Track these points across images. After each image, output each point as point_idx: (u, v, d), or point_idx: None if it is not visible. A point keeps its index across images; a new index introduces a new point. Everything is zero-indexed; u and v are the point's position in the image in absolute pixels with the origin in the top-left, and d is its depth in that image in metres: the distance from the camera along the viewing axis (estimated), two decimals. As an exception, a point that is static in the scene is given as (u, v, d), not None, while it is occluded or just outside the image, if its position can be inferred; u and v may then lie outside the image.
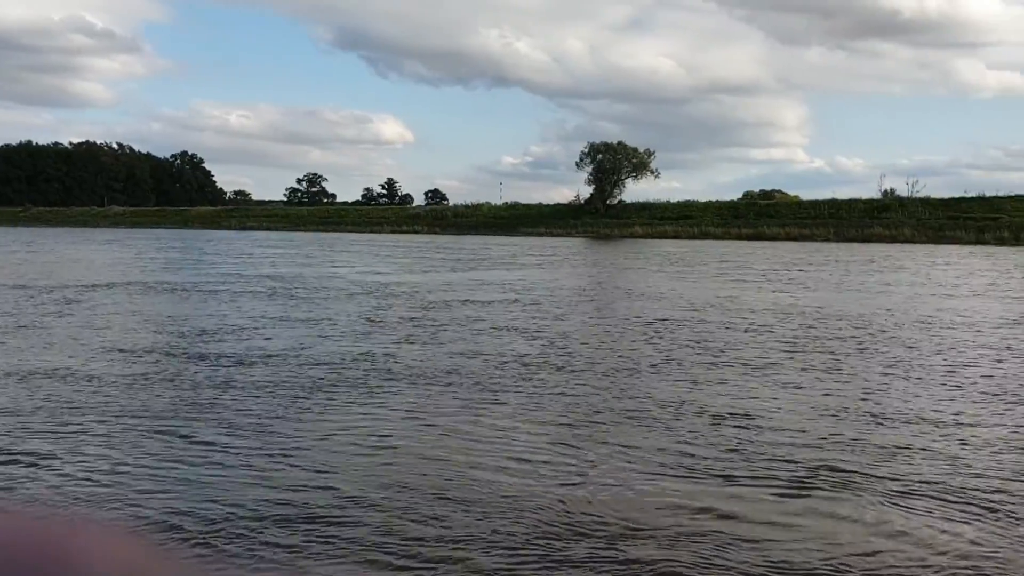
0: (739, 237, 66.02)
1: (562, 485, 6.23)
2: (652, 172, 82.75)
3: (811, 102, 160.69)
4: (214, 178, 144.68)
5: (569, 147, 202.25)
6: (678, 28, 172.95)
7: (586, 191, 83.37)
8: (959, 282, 25.42)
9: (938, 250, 48.97)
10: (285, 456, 6.81)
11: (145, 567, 0.42)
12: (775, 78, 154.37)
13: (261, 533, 5.30)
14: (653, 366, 11.13)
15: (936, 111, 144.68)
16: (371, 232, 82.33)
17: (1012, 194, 65.20)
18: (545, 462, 6.76)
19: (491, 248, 48.90)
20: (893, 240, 60.82)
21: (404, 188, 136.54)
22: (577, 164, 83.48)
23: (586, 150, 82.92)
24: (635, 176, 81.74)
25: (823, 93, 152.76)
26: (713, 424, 8.05)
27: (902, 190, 73.34)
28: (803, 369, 11.04)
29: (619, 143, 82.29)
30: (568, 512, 5.63)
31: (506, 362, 11.26)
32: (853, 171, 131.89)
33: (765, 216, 71.60)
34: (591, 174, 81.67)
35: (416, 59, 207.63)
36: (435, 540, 5.16)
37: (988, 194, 66.34)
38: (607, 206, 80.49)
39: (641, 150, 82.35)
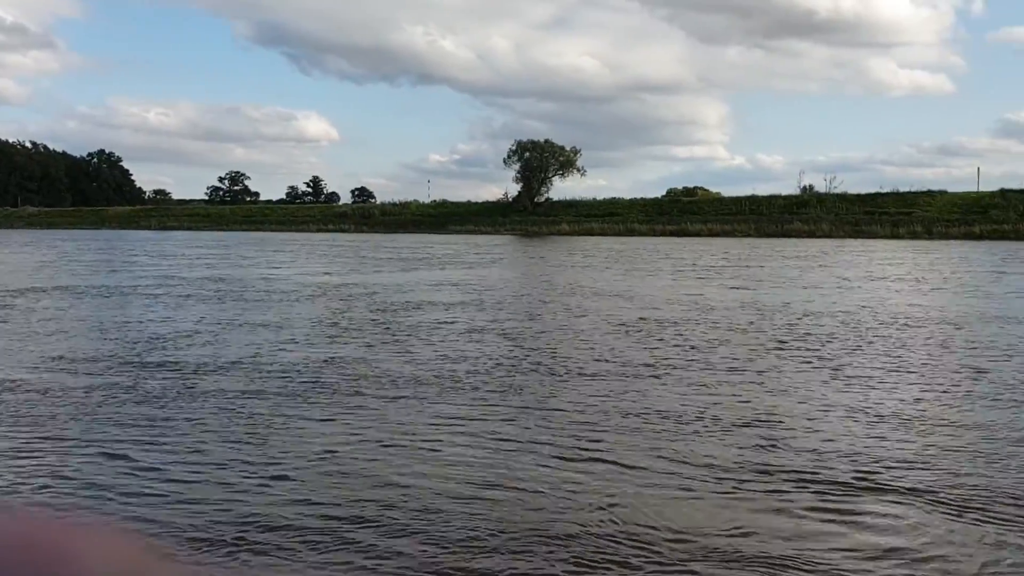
0: (663, 234, 66.75)
1: (580, 509, 5.70)
2: (579, 170, 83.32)
3: (731, 100, 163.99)
4: (133, 177, 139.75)
5: (497, 145, 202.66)
6: (601, 27, 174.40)
7: (514, 189, 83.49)
8: (915, 277, 26.02)
9: (863, 244, 50.32)
10: (267, 467, 6.33)
11: (143, 567, 0.41)
12: (696, 77, 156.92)
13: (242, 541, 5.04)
14: (648, 367, 10.68)
15: (852, 109, 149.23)
16: (296, 231, 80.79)
17: (924, 190, 67.39)
18: (564, 479, 6.19)
19: (431, 247, 48.24)
20: (811, 235, 62.22)
21: (330, 186, 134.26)
22: (505, 162, 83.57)
23: (513, 148, 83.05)
24: (562, 174, 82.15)
25: (743, 91, 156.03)
26: (733, 430, 7.61)
27: (820, 186, 75.27)
28: (808, 368, 10.69)
29: (546, 141, 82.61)
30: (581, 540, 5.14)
31: (493, 367, 10.70)
32: (773, 168, 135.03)
33: (688, 213, 72.59)
34: (519, 172, 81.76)
35: (339, 56, 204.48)
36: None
37: (902, 190, 68.35)
38: (535, 204, 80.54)
39: (568, 148, 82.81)
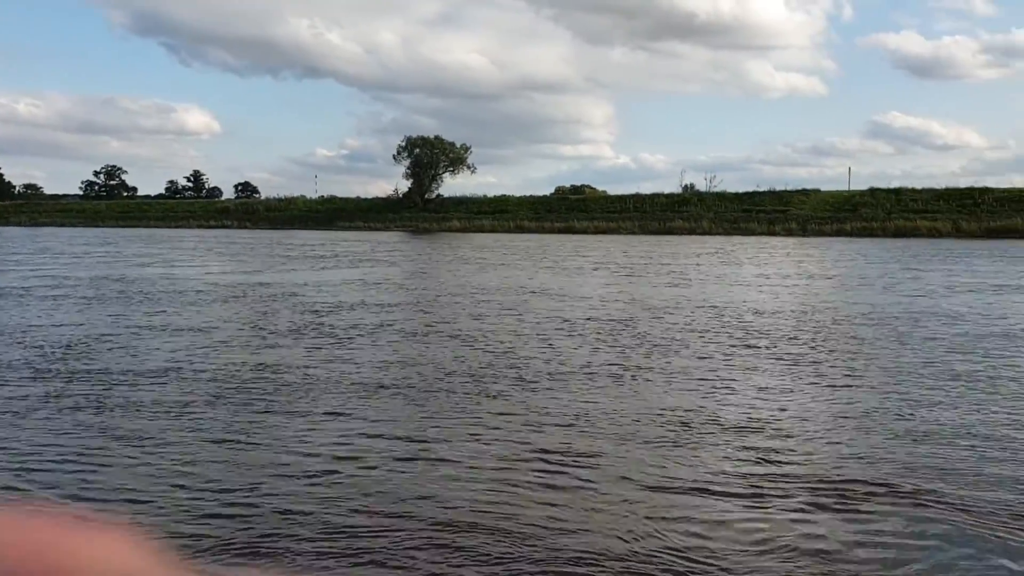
0: (552, 231, 67.28)
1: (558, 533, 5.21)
2: (469, 167, 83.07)
3: (617, 100, 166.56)
4: (1, 171, 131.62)
5: (386, 140, 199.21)
6: (488, 25, 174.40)
7: (404, 185, 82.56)
8: (836, 274, 26.95)
9: (741, 241, 52.02)
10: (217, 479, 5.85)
11: (141, 567, 0.41)
12: (583, 77, 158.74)
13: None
14: (608, 367, 10.24)
15: (731, 110, 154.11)
16: (177, 227, 77.67)
17: (799, 188, 70.11)
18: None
19: (332, 243, 46.91)
20: (692, 232, 63.82)
21: (212, 181, 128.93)
22: (394, 158, 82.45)
23: (403, 144, 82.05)
24: (452, 170, 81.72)
25: (628, 92, 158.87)
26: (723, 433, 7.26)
27: (701, 185, 77.57)
28: (782, 366, 10.42)
29: (436, 137, 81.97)
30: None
31: (449, 371, 10.10)
32: (656, 167, 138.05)
33: (576, 210, 73.34)
34: (408, 168, 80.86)
35: (221, 48, 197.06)
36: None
37: (778, 188, 70.68)
38: (425, 200, 79.95)
39: (458, 145, 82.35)
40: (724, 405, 8.62)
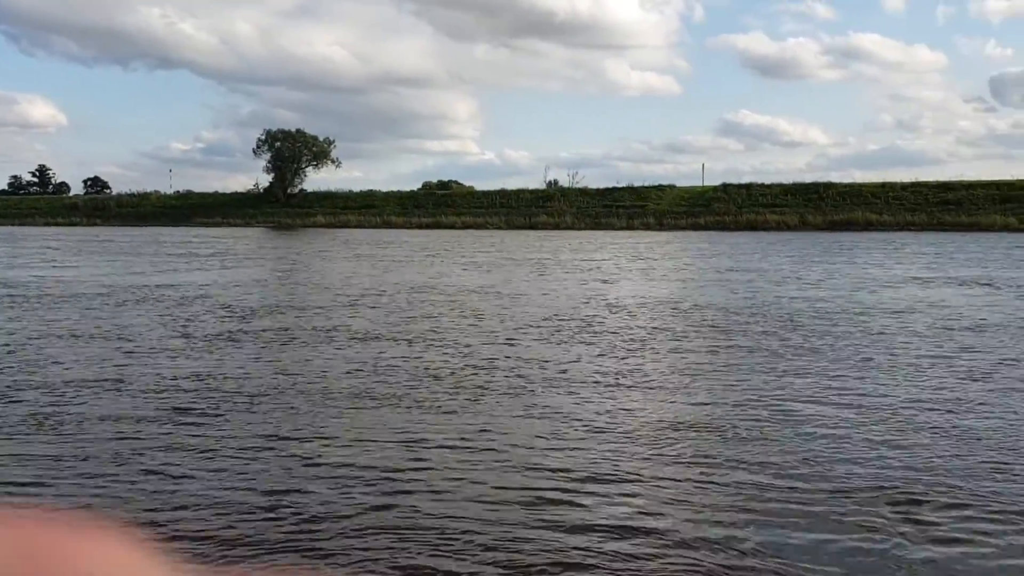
0: (419, 226, 66.82)
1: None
2: (333, 161, 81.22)
3: (480, 96, 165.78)
4: None
5: (244, 134, 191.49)
6: (349, 18, 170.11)
7: (265, 179, 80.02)
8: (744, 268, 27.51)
9: (606, 234, 53.00)
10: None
11: (140, 567, 0.41)
12: (446, 72, 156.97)
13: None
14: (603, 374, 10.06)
15: (590, 107, 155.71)
16: (21, 224, 72.74)
17: (656, 184, 72.03)
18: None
19: (210, 240, 44.70)
20: (556, 227, 64.64)
21: (59, 175, 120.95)
22: (254, 151, 79.70)
23: (263, 137, 79.31)
24: (316, 165, 79.71)
25: (491, 88, 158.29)
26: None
27: (564, 181, 78.53)
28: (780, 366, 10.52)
29: (298, 131, 79.64)
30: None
31: (416, 377, 9.74)
32: (520, 163, 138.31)
33: (443, 206, 72.99)
34: (269, 162, 78.30)
35: (66, 37, 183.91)
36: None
37: (636, 184, 72.33)
38: (288, 195, 77.77)
39: (321, 139, 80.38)
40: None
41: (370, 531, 5.17)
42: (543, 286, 20.75)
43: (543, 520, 5.34)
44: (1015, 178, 58.76)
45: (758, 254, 32.99)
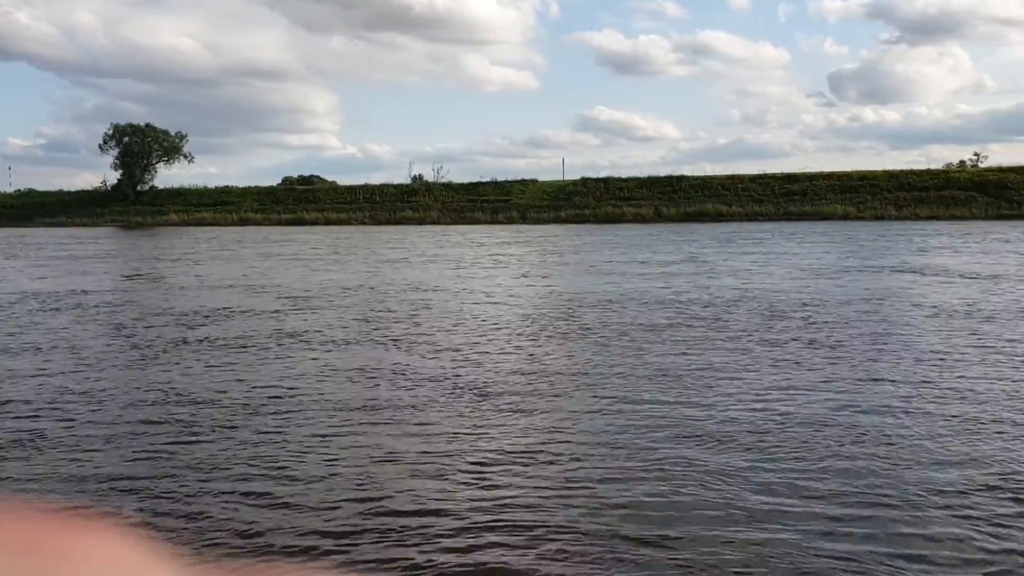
0: (279, 223, 64.90)
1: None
2: (185, 156, 77.72)
3: (339, 90, 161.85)
4: None
5: (90, 129, 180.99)
6: (197, 8, 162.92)
7: (113, 177, 75.96)
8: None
9: (470, 229, 52.88)
10: None
11: (140, 568, 0.41)
12: (303, 64, 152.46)
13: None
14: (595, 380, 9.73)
15: (452, 102, 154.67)
16: None
17: (518, 179, 72.26)
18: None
19: (92, 241, 42.24)
20: (422, 222, 64.05)
21: None
22: (101, 147, 75.47)
23: (110, 132, 75.12)
24: (167, 160, 76.09)
25: (350, 81, 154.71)
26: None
27: (429, 176, 77.88)
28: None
29: (147, 125, 75.75)
30: None
31: (418, 384, 9.19)
32: (383, 157, 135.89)
33: (305, 201, 71.12)
34: (117, 158, 74.17)
35: None
36: None
37: (500, 179, 72.24)
38: (138, 192, 74.12)
39: (173, 133, 76.79)
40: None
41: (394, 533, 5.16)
42: (504, 283, 20.33)
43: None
44: (853, 170, 61.90)
45: (673, 244, 33.41)
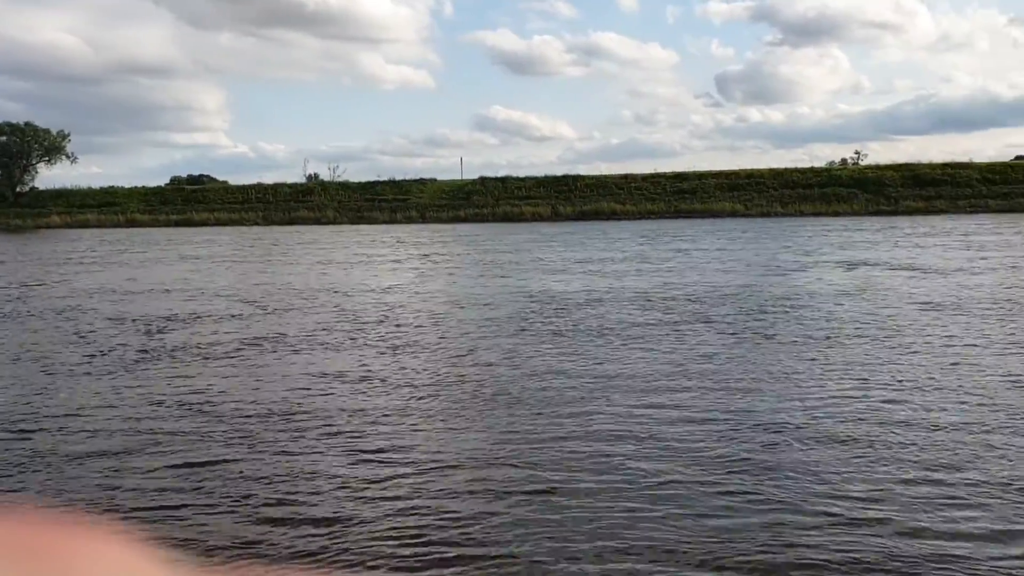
0: (168, 224, 62.72)
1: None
2: (68, 156, 74.15)
3: (229, 87, 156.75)
4: None
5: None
6: (78, 3, 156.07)
7: (-10, 177, 72.30)
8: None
9: (368, 229, 52.12)
10: None
11: (140, 569, 0.41)
12: (191, 61, 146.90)
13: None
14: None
15: (348, 100, 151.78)
16: None
17: (417, 178, 71.63)
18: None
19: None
20: (318, 222, 62.90)
21: None
22: (-26, 147, 71.85)
23: (-15, 131, 71.74)
24: (48, 160, 72.54)
25: (240, 78, 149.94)
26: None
27: (325, 175, 76.47)
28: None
29: (27, 124, 72.26)
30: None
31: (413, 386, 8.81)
32: (276, 156, 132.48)
33: (194, 202, 68.84)
34: (-7, 158, 70.88)
35: None
36: None
37: (398, 178, 71.41)
38: (17, 194, 70.52)
39: (54, 132, 73.28)
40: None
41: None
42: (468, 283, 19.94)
43: None
44: (740, 168, 63.53)
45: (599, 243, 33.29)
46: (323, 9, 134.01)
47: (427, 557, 4.77)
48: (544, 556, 4.71)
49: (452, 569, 4.63)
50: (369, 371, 9.88)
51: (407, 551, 4.87)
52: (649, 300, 15.35)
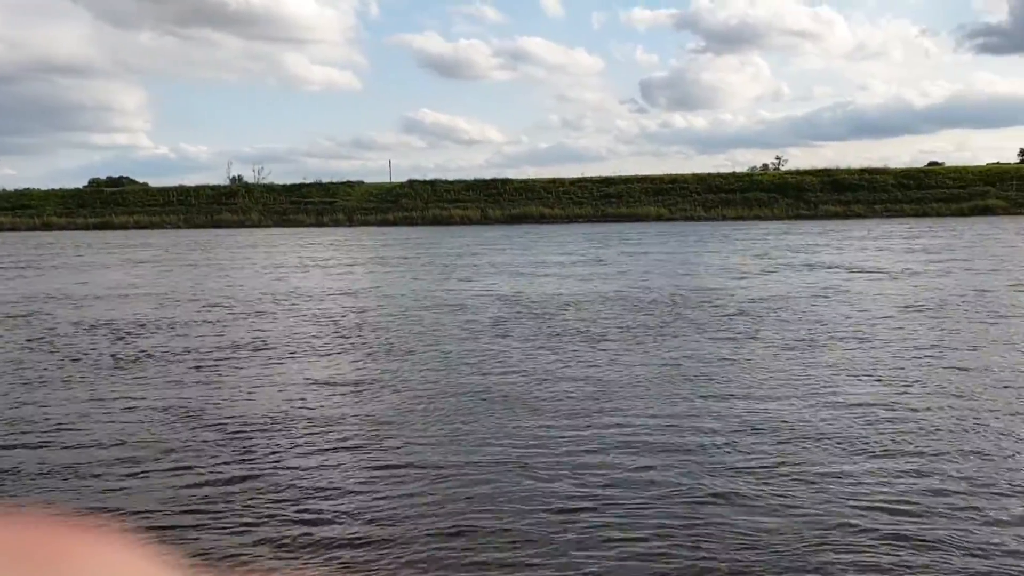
0: (86, 227, 60.52)
1: None
2: (-23, 157, 71.38)
3: (150, 87, 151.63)
4: None
5: None
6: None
7: None
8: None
9: (293, 232, 51.26)
10: None
11: (140, 571, 0.41)
12: (110, 60, 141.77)
13: None
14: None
15: (272, 101, 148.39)
16: None
17: (344, 180, 70.71)
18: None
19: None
20: (242, 225, 61.53)
21: None
22: None
23: None
24: (-44, 161, 69.70)
25: (161, 78, 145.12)
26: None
27: (249, 177, 74.89)
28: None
29: (-68, 123, 69.14)
30: None
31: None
32: (199, 158, 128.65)
33: (113, 204, 66.58)
34: None
35: None
36: None
37: (325, 180, 70.49)
38: (-77, 196, 67.21)
39: (-38, 132, 70.30)
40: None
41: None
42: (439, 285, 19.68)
43: None
44: (664, 173, 64.96)
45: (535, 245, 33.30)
46: (245, 9, 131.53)
47: (428, 563, 4.85)
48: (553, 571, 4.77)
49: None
50: (363, 376, 9.80)
51: (408, 554, 4.94)
52: (627, 301, 15.70)
